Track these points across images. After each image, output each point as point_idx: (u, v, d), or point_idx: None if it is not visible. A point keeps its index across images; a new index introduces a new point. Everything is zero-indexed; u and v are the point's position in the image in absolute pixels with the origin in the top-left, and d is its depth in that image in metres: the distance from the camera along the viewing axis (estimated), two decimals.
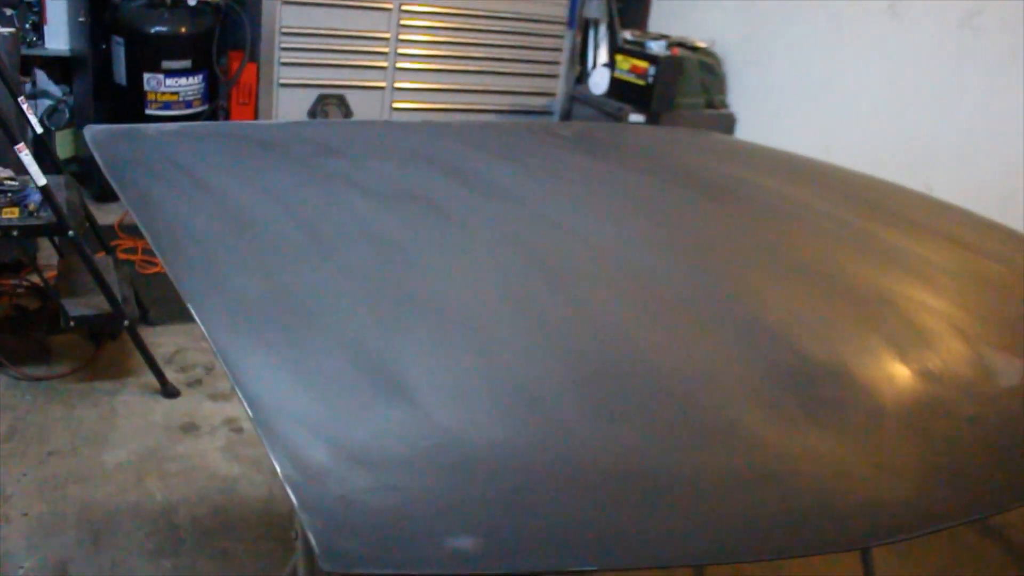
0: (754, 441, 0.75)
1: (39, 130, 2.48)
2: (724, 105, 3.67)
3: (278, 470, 0.64)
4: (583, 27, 4.33)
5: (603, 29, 4.28)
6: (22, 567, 1.77)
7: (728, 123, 3.63)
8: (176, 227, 1.03)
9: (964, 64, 2.77)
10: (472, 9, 4.12)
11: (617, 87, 3.47)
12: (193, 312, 0.81)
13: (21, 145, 2.06)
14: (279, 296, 0.88)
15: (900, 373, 0.87)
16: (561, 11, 4.34)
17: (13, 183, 2.25)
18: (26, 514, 1.90)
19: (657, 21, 4.21)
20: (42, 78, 3.74)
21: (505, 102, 4.36)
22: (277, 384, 0.75)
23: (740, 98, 3.67)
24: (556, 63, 4.41)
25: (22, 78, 3.02)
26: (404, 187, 1.18)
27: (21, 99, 2.40)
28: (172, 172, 1.21)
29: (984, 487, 0.77)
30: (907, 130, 2.97)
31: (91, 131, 1.51)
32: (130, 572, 1.80)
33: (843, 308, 0.98)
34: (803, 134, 3.36)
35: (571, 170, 1.34)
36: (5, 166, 2.27)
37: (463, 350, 0.80)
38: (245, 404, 0.71)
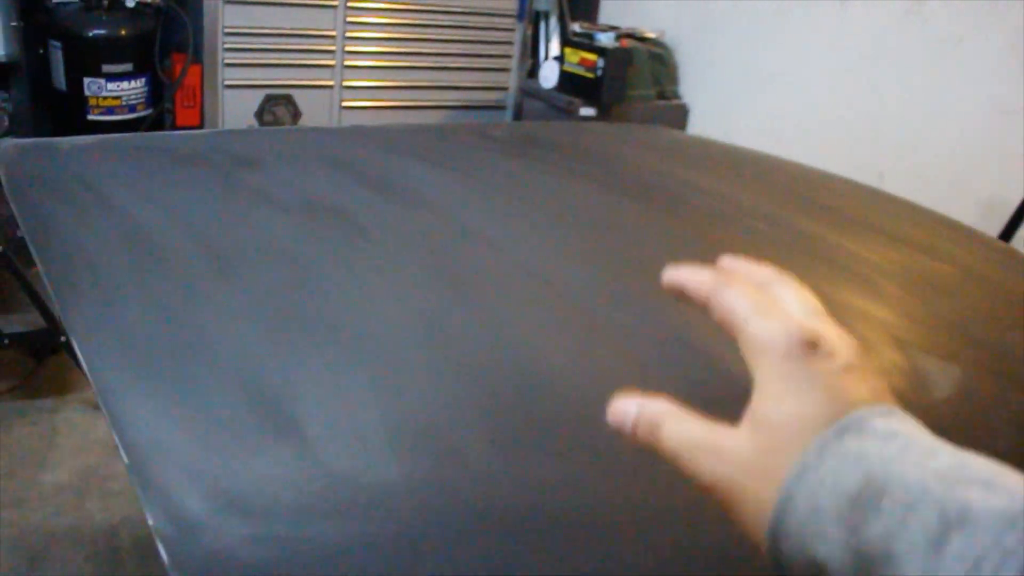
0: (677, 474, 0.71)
1: None
2: (676, 96, 3.64)
3: (150, 522, 0.60)
4: (534, 20, 4.29)
5: (554, 21, 4.24)
6: None
7: (681, 114, 3.60)
8: (71, 251, 0.97)
9: (911, 50, 2.77)
10: (420, 4, 4.06)
11: (567, 80, 3.44)
12: (75, 347, 0.76)
13: None
14: (172, 327, 0.83)
15: None
16: (511, 4, 4.29)
17: None
18: (12, 524, 1.84)
19: (608, 13, 4.17)
20: None
21: (457, 98, 4.31)
22: (159, 426, 0.70)
23: (692, 89, 3.65)
24: (508, 56, 4.37)
25: None
26: (321, 199, 1.13)
27: None
28: (77, 190, 1.15)
29: None
30: (856, 118, 2.96)
31: (5, 146, 1.44)
32: None
33: None
34: (754, 124, 3.35)
35: (502, 176, 1.29)
36: None
37: (361, 381, 0.76)
38: (121, 450, 0.66)
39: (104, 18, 3.50)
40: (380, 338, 0.82)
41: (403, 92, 4.15)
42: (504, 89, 4.39)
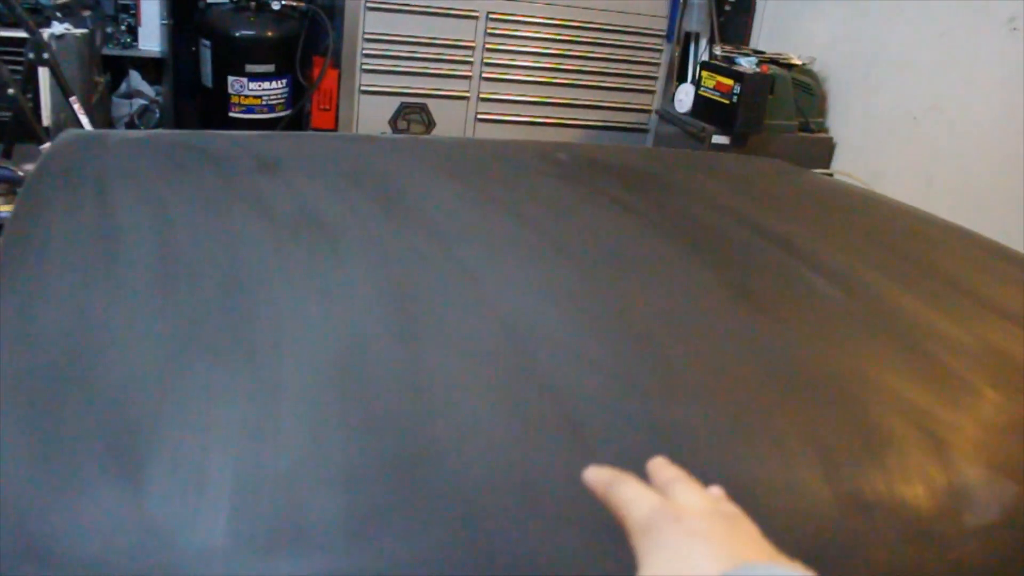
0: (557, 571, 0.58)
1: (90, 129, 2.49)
2: (822, 129, 3.38)
3: None
4: (683, 41, 4.11)
5: (704, 43, 4.05)
6: None
7: (826, 148, 3.34)
8: (32, 240, 0.93)
9: None
10: (564, 19, 3.97)
11: (701, 105, 3.25)
12: None
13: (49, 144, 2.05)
14: (77, 338, 0.76)
15: (816, 496, 0.67)
16: (660, 23, 4.13)
17: None
18: None
19: (761, 36, 3.94)
20: (136, 78, 3.82)
21: (597, 117, 4.18)
22: (8, 450, 0.63)
23: (840, 121, 3.37)
24: (653, 78, 4.21)
25: (98, 79, 3.06)
26: (315, 211, 1.05)
27: (73, 99, 2.41)
28: (87, 184, 1.12)
29: None
30: (1020, 163, 2.63)
31: (65, 135, 1.45)
32: None
33: (778, 399, 0.78)
34: (905, 162, 3.05)
35: (528, 203, 1.17)
36: None
37: (237, 420, 0.66)
38: None
39: (252, 19, 3.61)
40: (284, 374, 0.71)
41: (541, 108, 4.07)
42: (648, 111, 4.23)
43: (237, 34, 3.59)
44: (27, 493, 0.59)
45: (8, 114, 2.44)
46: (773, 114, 3.16)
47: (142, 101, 3.86)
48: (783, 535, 0.54)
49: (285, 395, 0.69)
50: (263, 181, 1.15)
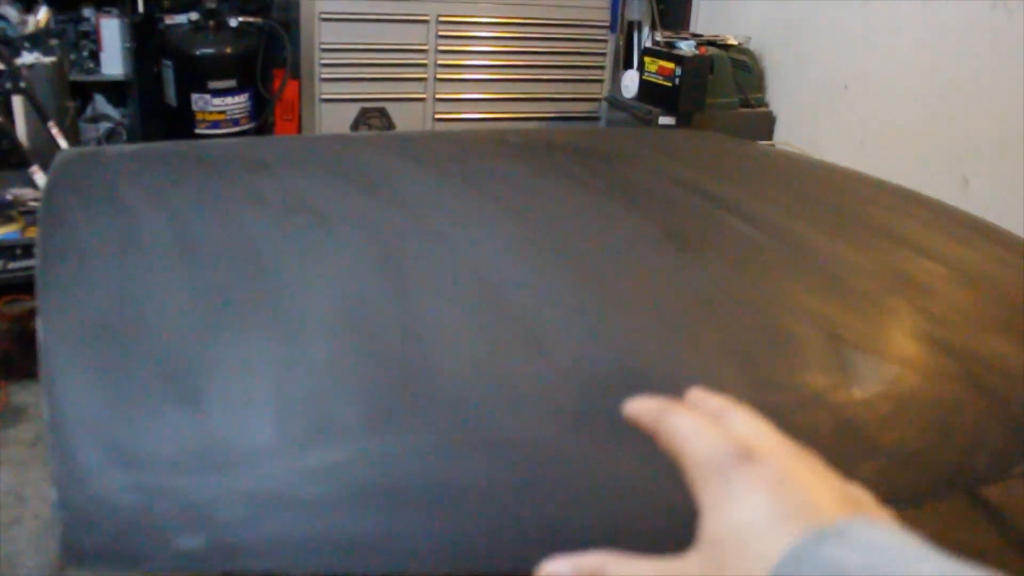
0: (529, 450, 0.75)
1: None
2: (762, 104, 3.58)
3: (52, 472, 0.67)
4: (626, 30, 4.30)
5: (647, 31, 4.24)
6: (26, 566, 1.87)
7: (766, 122, 3.54)
8: (68, 247, 1.08)
9: (998, 48, 2.64)
10: (511, 17, 4.14)
11: (646, 90, 3.43)
12: (40, 332, 0.86)
13: (35, 168, 2.18)
14: (124, 310, 0.91)
15: (732, 380, 0.85)
16: (603, 15, 4.32)
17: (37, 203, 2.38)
18: (37, 516, 2.02)
19: (700, 21, 4.14)
20: (101, 102, 3.94)
21: (550, 109, 4.36)
22: (82, 397, 0.78)
23: (778, 96, 3.58)
24: (601, 67, 4.39)
25: (68, 104, 3.18)
26: (307, 200, 1.20)
27: (50, 123, 2.54)
28: (98, 193, 1.27)
29: None
30: (941, 122, 2.84)
31: (64, 154, 1.59)
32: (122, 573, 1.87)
33: (701, 314, 0.96)
34: (838, 131, 3.25)
35: (493, 180, 1.33)
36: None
37: (271, 357, 0.82)
38: (45, 414, 0.74)
39: (211, 37, 3.74)
40: (303, 321, 0.87)
41: (495, 104, 4.24)
42: (597, 100, 4.41)
43: (198, 52, 3.73)
44: (109, 420, 0.74)
45: None
46: (714, 93, 3.35)
47: (108, 124, 3.98)
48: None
49: (305, 336, 0.85)
50: (254, 177, 1.30)
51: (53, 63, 2.92)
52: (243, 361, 0.81)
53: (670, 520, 0.70)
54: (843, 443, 0.81)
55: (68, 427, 0.73)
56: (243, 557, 0.64)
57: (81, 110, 3.86)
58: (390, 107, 4.03)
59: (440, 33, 4.01)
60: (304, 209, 1.15)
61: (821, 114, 3.35)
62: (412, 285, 0.95)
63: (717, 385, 0.84)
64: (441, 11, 3.98)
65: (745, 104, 3.50)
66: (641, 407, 0.50)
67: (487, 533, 0.68)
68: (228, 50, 3.77)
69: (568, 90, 4.34)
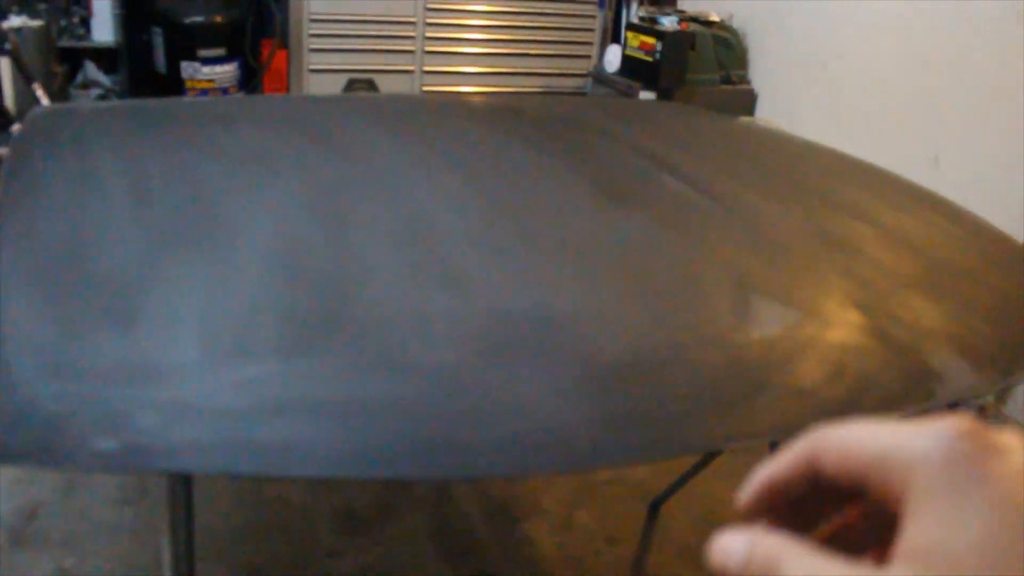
0: (435, 374, 0.80)
1: None
2: (744, 81, 3.62)
3: None
4: (615, 6, 4.33)
5: (635, 7, 4.27)
6: (1, 511, 1.94)
7: (747, 99, 3.57)
8: (30, 185, 1.13)
9: (972, 28, 2.68)
10: None
11: (628, 64, 3.47)
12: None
13: (17, 127, 2.23)
14: (75, 240, 0.97)
15: (636, 318, 0.90)
16: None
17: None
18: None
19: None
20: (91, 69, 3.97)
21: (537, 84, 4.39)
22: (29, 317, 0.84)
23: (761, 74, 3.61)
24: (589, 43, 4.42)
25: (56, 68, 3.22)
26: (263, 151, 1.26)
27: (35, 85, 2.59)
28: (66, 142, 1.32)
29: (664, 432, 0.80)
30: (914, 100, 2.88)
31: (38, 108, 1.65)
32: (92, 517, 1.94)
33: (621, 262, 1.01)
34: (817, 109, 3.29)
35: (444, 136, 1.39)
36: None
37: (203, 281, 0.88)
38: None
39: (201, 6, 3.77)
40: (237, 253, 0.93)
41: (483, 78, 4.27)
42: (585, 75, 4.44)
43: (187, 20, 3.76)
44: (46, 336, 0.80)
45: None
46: (695, 69, 3.39)
47: (98, 91, 4.01)
48: (592, 345, 0.77)
49: (237, 266, 0.90)
50: (214, 130, 1.36)
51: (40, 27, 2.97)
52: (176, 287, 0.87)
53: (558, 436, 0.77)
54: (735, 378, 0.87)
55: (7, 342, 0.79)
56: (154, 458, 0.70)
57: (72, 76, 3.90)
58: (378, 78, 4.07)
59: (428, 5, 4.05)
60: (255, 158, 1.21)
61: (801, 92, 3.39)
62: (345, 224, 1.01)
63: (622, 324, 0.90)
64: None
65: (727, 81, 3.54)
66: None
67: (392, 443, 0.74)
68: (218, 19, 3.81)
69: (556, 65, 4.37)
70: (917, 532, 0.31)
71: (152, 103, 1.65)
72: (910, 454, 0.32)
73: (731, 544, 0.35)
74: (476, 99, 1.72)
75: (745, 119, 3.31)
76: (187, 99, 1.69)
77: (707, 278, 1.00)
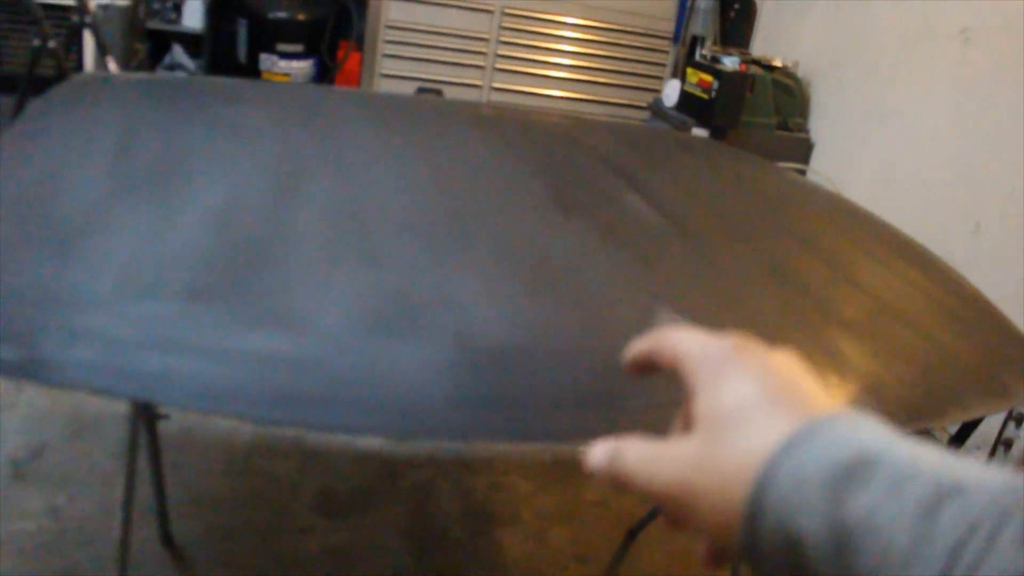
0: (325, 338, 0.86)
1: None
2: (802, 129, 3.60)
3: None
4: (688, 43, 4.36)
5: (708, 45, 4.29)
6: (10, 445, 2.06)
7: (803, 148, 3.56)
8: (25, 132, 1.23)
9: (1019, 96, 2.63)
10: (576, 17, 4.24)
11: (685, 100, 3.50)
12: None
13: None
14: (44, 184, 1.06)
15: (531, 315, 0.95)
16: (668, 26, 4.39)
17: None
18: (31, 404, 2.21)
19: (758, 42, 4.17)
20: (178, 52, 4.18)
21: (603, 112, 4.45)
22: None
23: (820, 123, 3.59)
24: (659, 77, 4.46)
25: (137, 46, 3.42)
26: (248, 124, 1.34)
27: (108, 58, 2.76)
28: (86, 105, 1.43)
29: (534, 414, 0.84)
30: (962, 165, 2.84)
31: (77, 76, 1.77)
32: (91, 463, 2.06)
33: (537, 266, 1.06)
34: (869, 164, 3.26)
35: (428, 135, 1.45)
36: None
37: (137, 233, 0.95)
38: None
39: (285, 2, 3.94)
40: (183, 208, 1.01)
41: (548, 101, 4.35)
42: (645, 108, 4.48)
43: (271, 15, 3.94)
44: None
45: (52, 71, 2.79)
46: (752, 111, 3.39)
47: (183, 74, 4.22)
48: (505, 338, 0.82)
49: (176, 219, 0.98)
50: (220, 107, 1.45)
51: (127, 6, 3.16)
52: (115, 230, 0.95)
53: (421, 406, 0.81)
54: (615, 380, 0.90)
55: None
56: (47, 373, 0.77)
57: (159, 57, 4.12)
58: (447, 89, 4.18)
59: (503, 24, 4.14)
60: (241, 131, 1.29)
61: (857, 146, 3.36)
62: (292, 195, 1.07)
63: (518, 316, 0.94)
64: (507, 3, 4.11)
65: (783, 127, 3.53)
66: (635, 345, 0.52)
67: (264, 388, 0.80)
68: (300, 16, 3.98)
69: (622, 96, 4.42)
70: (698, 403, 0.44)
71: (184, 79, 1.75)
72: (699, 353, 0.46)
73: (596, 450, 0.48)
74: (486, 108, 1.78)
75: (777, 165, 3.30)
76: (219, 79, 1.79)
77: (620, 288, 1.04)
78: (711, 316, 1.05)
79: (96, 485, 2.01)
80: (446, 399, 0.82)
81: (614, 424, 0.86)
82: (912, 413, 1.03)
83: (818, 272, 1.30)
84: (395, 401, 0.81)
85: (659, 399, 0.90)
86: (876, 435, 0.39)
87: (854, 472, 0.37)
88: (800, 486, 0.38)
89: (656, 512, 2.12)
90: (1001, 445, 2.57)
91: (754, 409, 0.42)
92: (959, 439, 2.61)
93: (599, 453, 0.48)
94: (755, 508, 0.39)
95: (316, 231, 1.01)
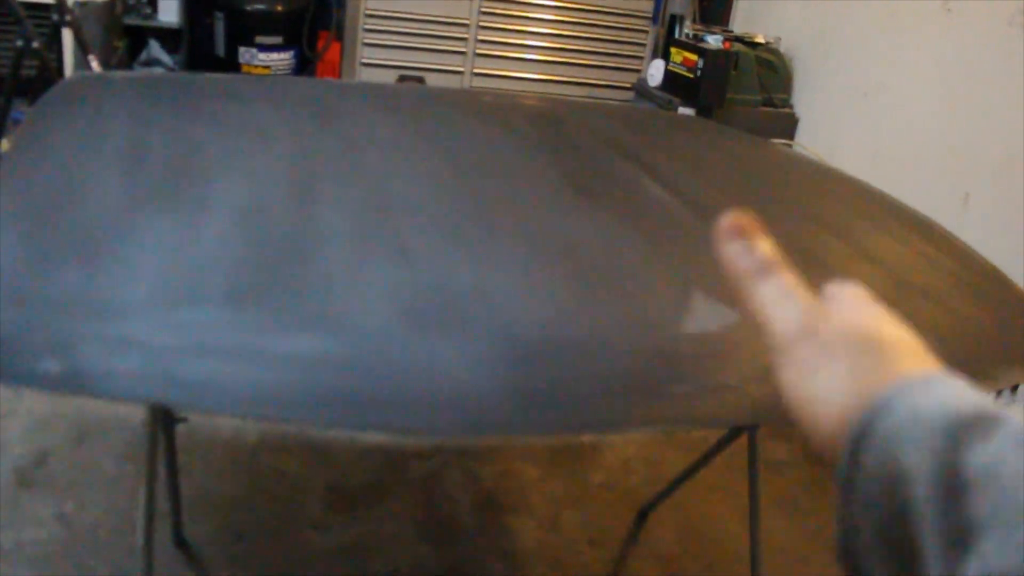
0: (367, 336, 0.85)
1: None
2: (787, 105, 3.61)
3: None
4: (667, 23, 4.36)
5: (689, 24, 4.28)
6: (13, 453, 2.04)
7: (788, 124, 3.57)
8: (37, 135, 1.21)
9: (1008, 65, 2.65)
10: (556, 1, 4.23)
11: (670, 80, 3.49)
12: None
13: None
14: (64, 190, 1.04)
15: (567, 302, 0.94)
16: (646, 6, 4.38)
17: None
18: (31, 411, 2.19)
19: (738, 19, 4.18)
20: (155, 47, 4.12)
21: (583, 93, 4.44)
22: (5, 251, 0.91)
23: (804, 99, 3.61)
24: (640, 57, 4.45)
25: (117, 43, 3.37)
26: (258, 123, 1.32)
27: (91, 56, 2.71)
28: (86, 104, 1.41)
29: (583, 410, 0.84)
30: (950, 136, 2.86)
31: (75, 74, 1.74)
32: (97, 468, 2.04)
33: (560, 249, 1.05)
34: (856, 139, 3.28)
35: (439, 125, 1.44)
36: None
37: (166, 238, 0.94)
38: None
39: None
40: (208, 211, 1.00)
41: (530, 84, 4.33)
42: (629, 88, 4.48)
43: (249, 7, 3.89)
44: (17, 269, 0.87)
45: (34, 70, 2.74)
46: (737, 88, 3.40)
47: (160, 69, 4.16)
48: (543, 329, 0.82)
49: (204, 222, 0.97)
50: (226, 104, 1.43)
51: (105, 3, 3.11)
52: (144, 236, 0.93)
53: (466, 402, 0.81)
54: (657, 366, 0.90)
55: None
56: (90, 383, 0.76)
57: (136, 53, 4.06)
58: (429, 77, 4.15)
59: (483, 9, 4.12)
60: (252, 130, 1.28)
61: (842, 121, 3.38)
62: (315, 196, 1.06)
63: (553, 306, 0.94)
64: None
65: (768, 103, 3.54)
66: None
67: (308, 391, 0.79)
68: (278, 7, 3.93)
69: (604, 77, 4.41)
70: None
71: (182, 77, 1.73)
72: (790, 335, 0.48)
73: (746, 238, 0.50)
74: (486, 96, 1.77)
75: (770, 141, 3.31)
76: (215, 75, 1.77)
77: (653, 274, 1.04)
78: (735, 299, 1.06)
79: (104, 490, 1.99)
80: (492, 393, 0.82)
81: (661, 411, 0.87)
82: None
83: (835, 248, 1.31)
84: (441, 398, 0.81)
85: (705, 383, 0.91)
86: (980, 395, 0.40)
87: (977, 423, 0.37)
88: (915, 423, 0.38)
89: (666, 492, 2.13)
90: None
91: (835, 395, 0.43)
92: None
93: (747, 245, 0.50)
94: (864, 431, 0.39)
95: (344, 228, 1.00)
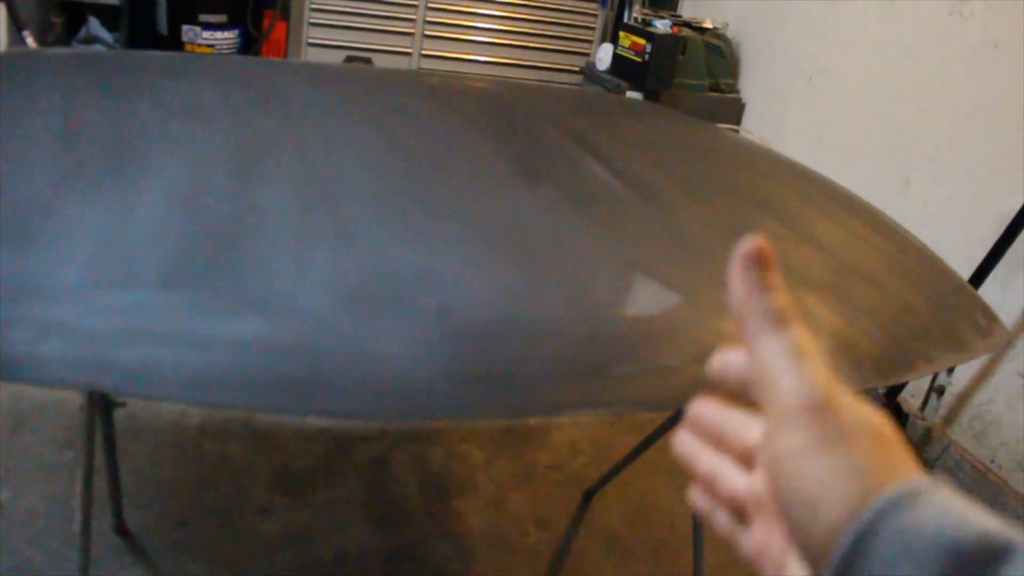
0: (305, 319, 0.84)
1: None
2: (734, 90, 3.65)
3: None
4: (616, 6, 4.36)
5: (638, 8, 4.30)
6: None
7: (735, 108, 3.61)
8: None
9: (949, 53, 2.70)
10: None
11: (618, 63, 3.50)
12: None
13: None
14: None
15: (508, 285, 0.94)
16: None
17: None
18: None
19: (689, 5, 4.20)
20: (95, 24, 4.01)
21: (532, 76, 4.43)
22: None
23: (751, 84, 3.64)
24: (588, 41, 4.46)
25: (54, 20, 3.27)
26: (197, 102, 1.29)
27: (26, 33, 2.63)
28: (15, 80, 1.36)
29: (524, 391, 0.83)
30: (890, 121, 2.91)
31: (6, 52, 1.68)
32: (34, 455, 1.99)
33: (504, 232, 1.05)
34: (801, 123, 3.32)
35: (382, 108, 1.42)
36: None
37: (100, 220, 0.92)
38: None
39: None
40: (143, 192, 0.97)
41: (479, 66, 4.31)
42: (578, 72, 4.48)
43: None
44: None
45: None
46: (684, 73, 3.42)
47: (100, 47, 4.05)
48: (484, 312, 0.81)
49: (138, 203, 0.94)
50: (164, 82, 1.39)
51: None
52: (76, 217, 0.91)
53: (408, 386, 0.80)
54: (598, 349, 0.91)
55: None
56: (22, 370, 0.74)
57: (75, 30, 3.94)
58: (376, 58, 4.11)
59: None
60: (191, 109, 1.25)
61: (787, 105, 3.42)
62: (255, 175, 1.04)
63: (494, 289, 0.94)
64: None
65: (715, 88, 3.56)
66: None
67: (248, 375, 0.78)
68: None
69: (553, 60, 4.41)
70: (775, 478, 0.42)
71: (119, 54, 1.69)
72: (788, 410, 0.42)
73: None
74: (432, 77, 1.76)
75: (716, 125, 3.34)
76: (155, 53, 1.72)
77: (596, 256, 1.04)
78: (681, 281, 1.06)
79: (41, 477, 1.95)
80: (436, 377, 0.81)
81: (605, 393, 0.87)
82: (884, 370, 1.06)
83: (778, 233, 1.32)
84: (385, 382, 0.80)
85: (646, 366, 0.91)
86: (980, 514, 0.36)
87: (981, 558, 0.34)
88: (909, 553, 0.35)
89: (610, 474, 2.15)
90: (934, 392, 2.67)
91: (828, 489, 0.38)
92: (894, 390, 2.71)
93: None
94: (852, 554, 0.36)
95: (284, 209, 0.98)
